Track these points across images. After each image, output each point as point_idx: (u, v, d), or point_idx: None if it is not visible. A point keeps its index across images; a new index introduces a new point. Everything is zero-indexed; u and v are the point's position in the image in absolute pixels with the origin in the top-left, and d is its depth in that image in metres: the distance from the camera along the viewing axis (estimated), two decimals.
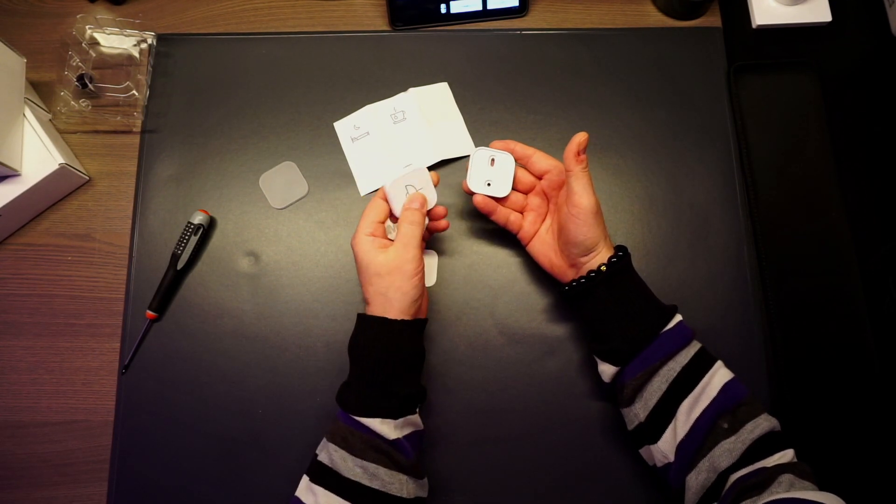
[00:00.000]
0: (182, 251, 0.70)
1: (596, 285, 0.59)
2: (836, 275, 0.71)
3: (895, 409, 0.67)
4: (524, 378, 0.68)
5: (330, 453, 0.56)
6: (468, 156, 0.74)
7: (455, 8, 0.78)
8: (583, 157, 0.60)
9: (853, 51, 0.79)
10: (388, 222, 0.65)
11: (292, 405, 0.67)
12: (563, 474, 0.66)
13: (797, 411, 0.67)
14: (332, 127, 0.75)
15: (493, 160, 0.65)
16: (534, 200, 0.67)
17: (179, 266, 0.69)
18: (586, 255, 0.60)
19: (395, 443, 0.55)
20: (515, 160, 0.66)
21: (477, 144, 0.75)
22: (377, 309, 0.58)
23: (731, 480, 0.52)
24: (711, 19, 0.80)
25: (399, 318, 0.57)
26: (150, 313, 0.69)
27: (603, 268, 0.59)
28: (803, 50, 0.79)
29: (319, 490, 0.54)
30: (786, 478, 0.50)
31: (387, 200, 0.62)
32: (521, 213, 0.67)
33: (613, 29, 0.79)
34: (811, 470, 0.52)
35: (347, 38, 0.78)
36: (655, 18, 0.80)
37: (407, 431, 0.57)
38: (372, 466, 0.54)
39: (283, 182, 0.74)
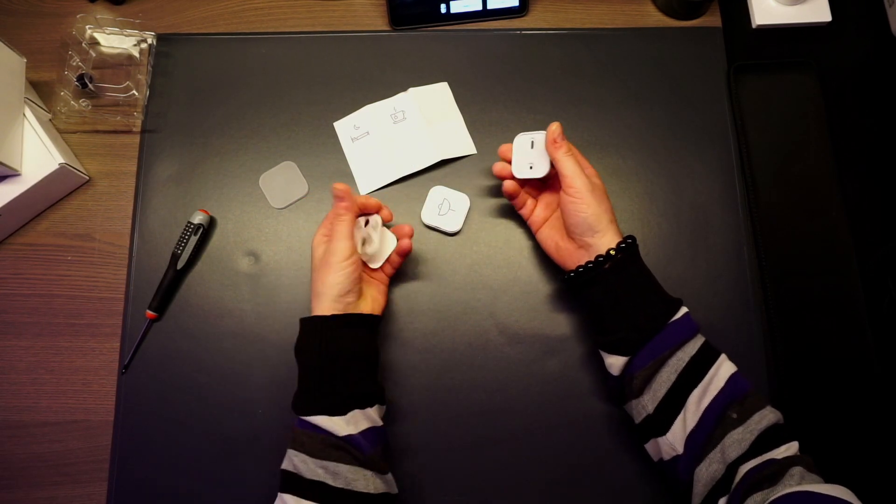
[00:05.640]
0: (182, 251, 0.70)
1: (605, 271, 0.59)
2: (836, 275, 0.71)
3: (894, 408, 0.67)
4: (524, 378, 0.68)
5: (291, 459, 0.56)
6: (468, 156, 0.74)
7: (455, 8, 0.78)
8: (559, 143, 0.62)
9: (853, 51, 0.79)
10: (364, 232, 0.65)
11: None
12: (564, 474, 0.66)
13: (797, 411, 0.67)
14: (332, 127, 0.75)
15: (532, 143, 0.65)
16: (548, 190, 0.68)
17: (179, 266, 0.69)
18: (591, 235, 0.60)
19: (346, 439, 0.55)
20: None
21: (477, 144, 0.75)
22: (314, 308, 0.60)
23: (741, 472, 0.52)
24: (711, 19, 0.80)
25: (329, 314, 0.58)
26: (150, 313, 0.69)
27: (612, 252, 0.59)
28: (803, 50, 0.79)
29: (289, 498, 0.55)
30: (797, 470, 0.50)
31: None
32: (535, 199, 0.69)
33: (613, 29, 0.79)
34: (814, 463, 0.52)
35: (347, 38, 0.78)
36: (655, 18, 0.80)
37: (362, 427, 0.56)
38: (332, 465, 0.54)
39: (283, 182, 0.74)
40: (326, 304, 0.59)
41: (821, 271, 0.72)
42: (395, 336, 0.69)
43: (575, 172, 0.61)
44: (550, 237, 0.66)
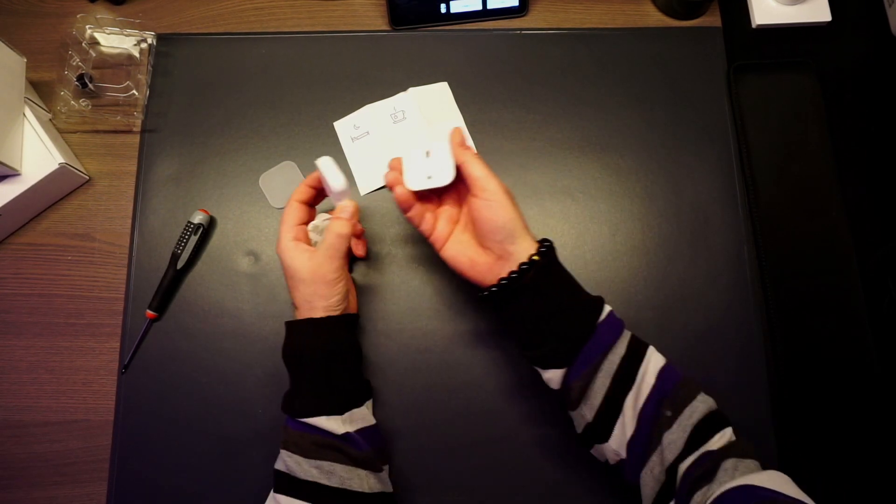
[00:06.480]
0: (182, 251, 0.70)
1: (531, 279, 0.55)
2: (836, 275, 0.71)
3: (894, 408, 0.67)
4: (524, 378, 0.68)
5: (284, 460, 0.56)
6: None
7: (455, 8, 0.78)
8: (466, 146, 0.59)
9: (853, 51, 0.79)
10: (316, 222, 0.65)
11: None
12: (563, 474, 0.66)
13: (796, 411, 0.67)
14: (332, 127, 0.75)
15: (428, 153, 0.61)
16: (447, 204, 0.63)
17: (179, 266, 0.69)
18: (512, 242, 0.56)
19: (344, 437, 0.56)
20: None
21: (477, 144, 0.75)
22: (304, 314, 0.59)
23: (680, 471, 0.51)
24: (711, 19, 0.80)
25: (324, 316, 0.59)
26: (150, 313, 0.69)
27: (536, 258, 0.55)
28: (803, 50, 0.79)
29: (283, 498, 0.55)
30: (729, 463, 0.49)
31: (313, 187, 0.63)
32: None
33: (613, 29, 0.79)
34: (752, 446, 0.51)
35: (347, 38, 0.78)
36: (655, 18, 0.80)
37: (357, 426, 0.57)
38: (327, 464, 0.54)
39: (283, 182, 0.74)
40: (322, 312, 0.59)
41: (821, 271, 0.71)
42: (393, 336, 0.69)
43: (487, 174, 0.57)
44: (461, 253, 0.59)
